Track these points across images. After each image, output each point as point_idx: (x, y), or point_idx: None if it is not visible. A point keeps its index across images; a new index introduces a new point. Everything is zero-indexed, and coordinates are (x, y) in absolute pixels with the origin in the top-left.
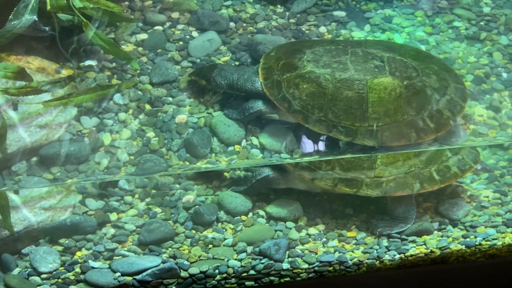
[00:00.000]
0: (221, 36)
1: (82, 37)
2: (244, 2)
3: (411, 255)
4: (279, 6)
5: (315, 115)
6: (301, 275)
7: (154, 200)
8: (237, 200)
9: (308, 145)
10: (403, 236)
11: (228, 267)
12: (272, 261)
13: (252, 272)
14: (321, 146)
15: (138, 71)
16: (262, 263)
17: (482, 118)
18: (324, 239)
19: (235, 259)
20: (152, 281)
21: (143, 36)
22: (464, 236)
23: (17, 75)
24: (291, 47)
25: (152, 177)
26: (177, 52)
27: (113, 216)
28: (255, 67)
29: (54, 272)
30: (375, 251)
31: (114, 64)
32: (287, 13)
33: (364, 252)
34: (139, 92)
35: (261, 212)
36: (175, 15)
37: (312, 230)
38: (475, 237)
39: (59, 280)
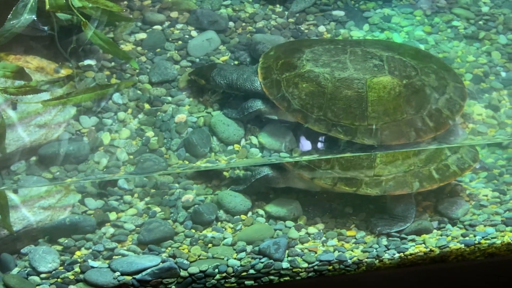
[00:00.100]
0: (220, 35)
1: (81, 36)
2: (243, 1)
3: (411, 254)
4: (278, 5)
5: (314, 114)
6: (300, 274)
7: (153, 199)
8: (236, 199)
9: (307, 144)
10: (403, 235)
11: (228, 266)
12: (271, 260)
13: (251, 271)
14: (320, 145)
15: (137, 71)
16: (262, 262)
17: (481, 117)
18: (323, 238)
19: (235, 258)
20: (152, 281)
21: (142, 35)
22: (463, 235)
23: (16, 74)
24: (290, 47)
25: (151, 176)
26: (176, 51)
27: (112, 216)
28: (254, 67)
29: (54, 272)
30: (375, 250)
31: (113, 64)
32: (286, 13)
33: (363, 251)
34: (138, 92)
35: (261, 211)
36: (174, 14)
37: (312, 229)
38: (474, 236)
39: (59, 279)
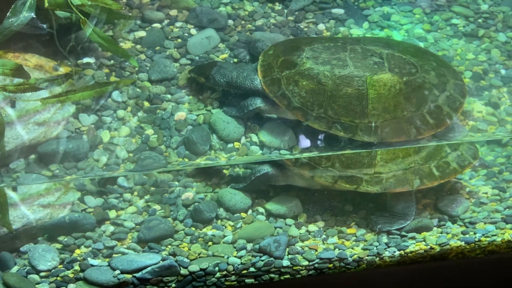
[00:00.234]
0: (219, 33)
1: (80, 34)
2: None
3: (411, 252)
4: (277, 3)
5: (314, 112)
6: (301, 272)
7: (153, 197)
8: (236, 197)
9: (307, 141)
10: (403, 233)
11: (228, 264)
12: (272, 258)
13: (252, 269)
14: (320, 142)
15: (136, 69)
16: (262, 260)
17: (481, 114)
18: (324, 236)
19: (235, 256)
20: (152, 279)
21: (141, 33)
22: (463, 233)
23: (14, 72)
24: (290, 45)
25: (151, 174)
26: (175, 49)
27: (112, 214)
28: (254, 65)
29: (53, 270)
30: (375, 248)
31: (112, 62)
32: (286, 11)
33: (364, 249)
34: (138, 90)
35: (261, 209)
36: (173, 12)
37: (312, 227)
38: (475, 234)
39: (58, 278)
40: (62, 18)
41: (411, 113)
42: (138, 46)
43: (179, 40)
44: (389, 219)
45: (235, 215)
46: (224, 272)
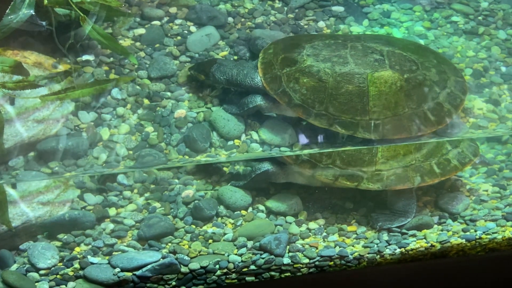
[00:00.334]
0: (219, 31)
1: (79, 31)
2: None
3: (412, 249)
4: (277, 1)
5: (315, 109)
6: (301, 270)
7: (153, 195)
8: (236, 195)
9: (308, 138)
10: (403, 230)
11: (229, 262)
12: (272, 256)
13: (252, 267)
14: (321, 139)
15: (136, 66)
16: (263, 258)
17: (481, 112)
18: (324, 234)
19: (236, 254)
20: (152, 277)
21: (141, 31)
22: (464, 230)
23: (14, 69)
24: (290, 42)
25: (151, 171)
26: (175, 47)
27: (112, 211)
28: (254, 62)
29: (53, 268)
30: (376, 245)
31: (111, 59)
32: (285, 8)
33: (364, 247)
34: (138, 87)
35: (261, 207)
36: (172, 10)
37: (312, 225)
38: (475, 231)
39: (58, 276)
40: (62, 16)
41: (412, 110)
42: (138, 44)
43: (179, 37)
44: (390, 217)
45: (236, 212)
46: (225, 270)
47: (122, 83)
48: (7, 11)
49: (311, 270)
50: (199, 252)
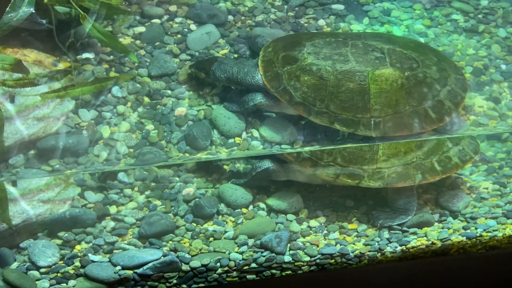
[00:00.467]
0: (219, 29)
1: (79, 30)
2: None
3: (412, 247)
4: None
5: (316, 106)
6: (302, 268)
7: (153, 193)
8: (237, 193)
9: (308, 136)
10: (404, 228)
11: (230, 260)
12: (273, 254)
13: (253, 265)
14: (322, 137)
15: (136, 64)
16: (264, 256)
17: (482, 109)
18: (325, 232)
19: (237, 252)
20: (153, 275)
21: (141, 29)
22: (464, 228)
23: (14, 67)
24: (291, 40)
25: (151, 169)
26: (175, 45)
27: (112, 209)
28: (255, 60)
29: (53, 266)
30: (377, 243)
31: (111, 57)
32: (286, 6)
33: (365, 244)
34: (138, 85)
35: (262, 205)
36: (172, 8)
37: (313, 223)
38: (476, 229)
39: (58, 274)
40: (62, 14)
41: (413, 108)
42: (138, 42)
43: (179, 35)
44: (391, 215)
45: (236, 210)
46: (226, 268)
47: (122, 81)
48: (7, 9)
49: (312, 268)
50: (200, 250)
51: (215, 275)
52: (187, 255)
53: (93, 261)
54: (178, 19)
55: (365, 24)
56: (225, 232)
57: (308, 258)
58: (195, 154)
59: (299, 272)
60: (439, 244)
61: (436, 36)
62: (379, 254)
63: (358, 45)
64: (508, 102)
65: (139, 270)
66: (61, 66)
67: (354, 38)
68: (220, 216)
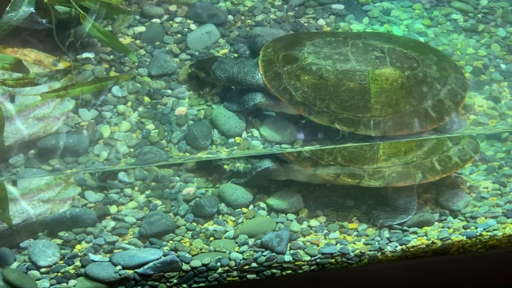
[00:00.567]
0: (219, 28)
1: (79, 29)
2: None
3: (413, 246)
4: None
5: (317, 106)
6: (303, 267)
7: (154, 192)
8: (237, 192)
9: (308, 136)
10: (404, 227)
11: (230, 259)
12: (274, 253)
13: (254, 264)
14: (322, 136)
15: (136, 64)
16: (264, 256)
17: (482, 109)
18: (325, 231)
19: (237, 252)
20: (154, 274)
21: (141, 28)
22: (464, 227)
23: (14, 66)
24: (291, 40)
25: (151, 169)
26: (175, 44)
27: (113, 209)
28: (255, 60)
29: (54, 266)
30: (377, 243)
31: (111, 57)
32: (286, 6)
33: (365, 244)
34: (138, 85)
35: (262, 204)
36: (172, 8)
37: (314, 222)
38: (476, 228)
39: (59, 274)
40: (62, 13)
41: (413, 107)
42: (138, 41)
43: (179, 35)
44: (391, 214)
45: (237, 210)
46: (226, 268)
47: (122, 81)
48: (7, 8)
49: (312, 267)
50: (201, 249)
51: (215, 274)
52: (187, 255)
53: (93, 261)
54: (178, 19)
55: (365, 23)
56: (226, 231)
57: (308, 258)
58: (196, 154)
59: (300, 271)
60: (439, 243)
61: (436, 35)
62: (380, 253)
63: (358, 44)
64: (508, 102)
65: (139, 270)
66: (61, 65)
67: (354, 38)
68: (221, 216)
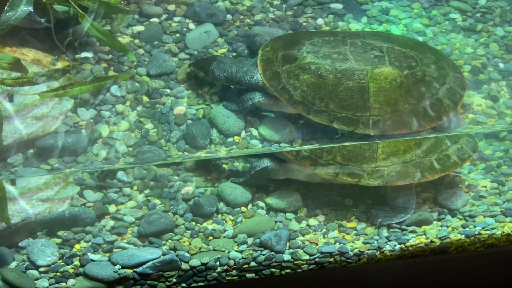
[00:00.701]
0: (218, 28)
1: (78, 29)
2: None
3: (411, 245)
4: None
5: (316, 105)
6: (302, 266)
7: (153, 191)
8: (236, 191)
9: (307, 135)
10: (403, 226)
11: (229, 259)
12: (273, 253)
13: (253, 263)
14: (321, 135)
15: (135, 63)
16: (263, 255)
17: (480, 108)
18: (324, 230)
19: (236, 251)
20: (153, 274)
21: (140, 28)
22: (463, 226)
23: (12, 66)
24: (290, 39)
25: (150, 168)
26: (174, 44)
27: (112, 208)
28: (254, 59)
29: (53, 265)
30: (376, 242)
31: (110, 56)
32: (284, 5)
33: (364, 243)
34: (137, 84)
35: (261, 204)
36: (171, 7)
37: (312, 221)
38: (474, 227)
39: (58, 273)
40: (60, 12)
41: (412, 106)
42: (137, 41)
43: (178, 34)
44: (390, 213)
45: (236, 209)
46: (225, 267)
47: (121, 80)
48: (5, 7)
49: (311, 266)
50: (200, 248)
51: (214, 274)
52: (186, 254)
53: (92, 260)
54: (176, 18)
55: (363, 23)
56: (225, 231)
57: (307, 257)
58: (194, 153)
59: (299, 270)
60: (437, 242)
61: (435, 35)
62: (378, 252)
63: (357, 43)
64: (506, 101)
65: (138, 269)
66: (60, 65)
67: (353, 37)
68: (220, 215)
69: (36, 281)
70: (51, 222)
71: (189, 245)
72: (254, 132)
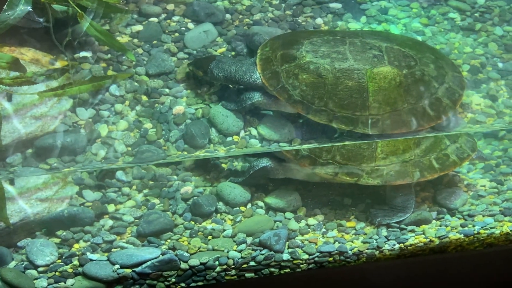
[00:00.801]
0: (217, 27)
1: (77, 28)
2: None
3: (411, 245)
4: None
5: (315, 105)
6: (301, 266)
7: (152, 191)
8: (235, 191)
9: (306, 134)
10: (402, 226)
11: (228, 258)
12: (272, 252)
13: (252, 263)
14: (320, 134)
15: (134, 63)
16: (262, 254)
17: (479, 107)
18: (323, 230)
19: (235, 250)
20: (152, 273)
21: (138, 27)
22: (462, 225)
23: (11, 65)
24: (289, 38)
25: (149, 168)
26: (173, 43)
27: (111, 208)
28: (253, 59)
29: (51, 265)
30: (375, 241)
31: (109, 56)
32: (283, 5)
33: (363, 242)
34: (136, 84)
35: (260, 203)
36: (170, 6)
37: (311, 221)
38: (473, 226)
39: (57, 273)
40: (59, 12)
41: (411, 105)
42: (135, 40)
43: (177, 34)
44: (389, 212)
45: (235, 209)
46: (224, 266)
47: (120, 79)
48: (4, 7)
49: (310, 266)
50: (199, 248)
51: (213, 273)
52: (185, 254)
53: (91, 260)
54: (175, 18)
55: (362, 22)
56: (224, 230)
57: (306, 256)
58: (193, 152)
59: (298, 270)
60: (437, 241)
61: (433, 34)
62: (377, 251)
63: (356, 43)
64: (505, 100)
65: (137, 269)
66: (59, 64)
67: (352, 36)
68: (219, 215)
69: (35, 281)
70: (50, 221)
71: (188, 245)
72: (253, 132)
